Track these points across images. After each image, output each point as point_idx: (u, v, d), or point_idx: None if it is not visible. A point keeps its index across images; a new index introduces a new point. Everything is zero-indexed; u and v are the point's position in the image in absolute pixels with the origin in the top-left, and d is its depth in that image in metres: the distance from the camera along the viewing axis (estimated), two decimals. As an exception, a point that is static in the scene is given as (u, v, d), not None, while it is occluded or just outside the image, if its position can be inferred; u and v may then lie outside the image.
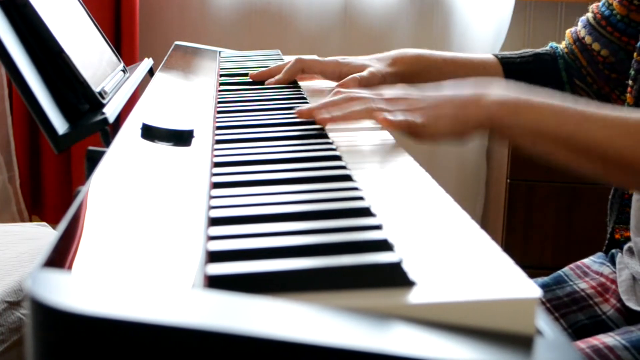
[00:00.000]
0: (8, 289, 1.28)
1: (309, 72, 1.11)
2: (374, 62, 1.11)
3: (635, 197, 0.96)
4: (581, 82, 1.14)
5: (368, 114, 0.81)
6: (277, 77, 1.09)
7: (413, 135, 0.79)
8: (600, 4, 1.13)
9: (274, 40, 2.36)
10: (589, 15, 1.14)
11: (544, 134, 0.78)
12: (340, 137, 0.81)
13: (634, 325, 0.92)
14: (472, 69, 1.14)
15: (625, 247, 1.02)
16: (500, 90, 0.80)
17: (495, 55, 1.16)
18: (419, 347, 0.39)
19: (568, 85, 1.14)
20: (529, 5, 2.42)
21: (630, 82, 1.02)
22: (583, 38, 1.13)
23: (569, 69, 1.15)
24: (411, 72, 1.12)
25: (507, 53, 1.16)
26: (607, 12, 1.11)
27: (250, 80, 1.12)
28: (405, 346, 0.38)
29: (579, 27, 1.15)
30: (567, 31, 1.18)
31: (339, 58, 1.12)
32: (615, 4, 1.09)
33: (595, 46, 1.11)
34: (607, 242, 1.09)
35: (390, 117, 0.79)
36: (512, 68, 1.14)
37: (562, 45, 1.17)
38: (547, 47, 1.18)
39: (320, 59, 1.12)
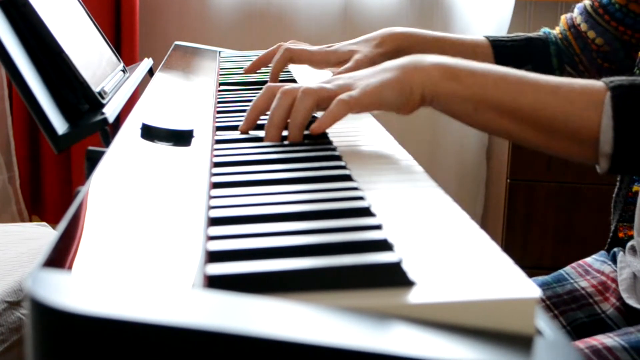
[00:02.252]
0: (8, 289, 1.28)
1: (297, 62, 1.10)
2: (361, 47, 1.08)
3: None
4: (572, 70, 1.13)
5: (308, 102, 0.76)
6: (270, 72, 1.09)
7: (358, 109, 0.76)
8: None
9: (274, 41, 2.34)
10: (587, 2, 1.13)
11: (485, 100, 0.75)
12: (340, 137, 0.81)
13: (633, 327, 0.92)
14: (461, 48, 1.12)
15: (628, 245, 1.02)
16: (436, 57, 0.78)
17: (487, 37, 1.14)
18: (418, 347, 0.39)
19: (558, 71, 1.13)
20: (529, 5, 2.42)
21: None
22: (579, 25, 1.13)
23: (561, 55, 1.14)
24: (398, 50, 1.09)
25: (499, 35, 1.15)
26: (605, 1, 1.10)
27: (250, 80, 1.12)
28: (405, 346, 0.38)
29: (575, 14, 1.14)
30: (562, 17, 1.17)
31: (325, 47, 1.10)
32: None
33: (591, 34, 1.11)
34: (609, 240, 1.09)
35: (326, 113, 0.75)
36: (503, 51, 1.12)
37: (557, 31, 1.16)
38: (540, 32, 1.17)
39: (309, 48, 1.10)
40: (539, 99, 0.75)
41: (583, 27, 1.12)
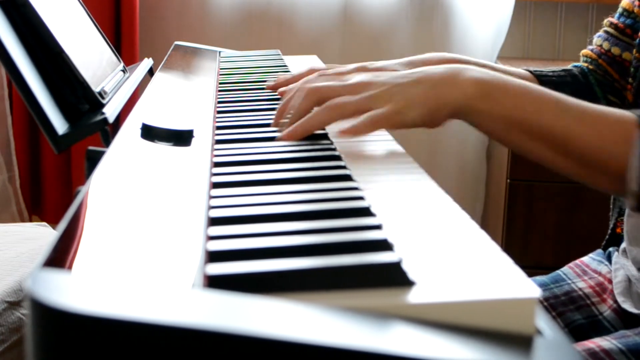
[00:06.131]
0: (8, 289, 1.28)
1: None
2: (404, 68, 0.99)
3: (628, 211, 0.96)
4: (615, 97, 1.09)
5: (330, 116, 0.76)
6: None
7: (381, 128, 0.76)
8: (615, 17, 1.10)
9: (274, 41, 2.36)
10: (608, 29, 1.10)
11: (519, 122, 0.74)
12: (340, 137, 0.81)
13: (630, 330, 0.92)
14: None
15: (621, 247, 1.02)
16: (477, 72, 0.76)
17: (529, 70, 1.09)
18: (418, 347, 0.39)
19: (604, 100, 1.09)
20: (529, 5, 2.42)
21: (630, 79, 1.02)
22: (609, 50, 1.09)
23: (601, 85, 1.10)
24: None
25: (538, 69, 1.10)
26: (629, 21, 1.07)
27: (250, 80, 1.12)
28: (405, 346, 0.38)
29: (599, 42, 1.11)
30: (584, 51, 1.13)
31: (366, 64, 1.01)
32: (636, 10, 1.06)
33: (627, 55, 1.07)
34: (607, 237, 1.08)
35: (352, 124, 0.74)
36: (549, 83, 1.07)
37: (584, 65, 1.12)
38: (570, 67, 1.13)
39: (343, 68, 0.98)
40: (572, 127, 0.74)
41: (615, 51, 1.08)
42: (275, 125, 0.81)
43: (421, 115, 0.75)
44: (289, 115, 0.80)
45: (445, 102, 0.75)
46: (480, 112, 0.75)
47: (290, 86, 0.87)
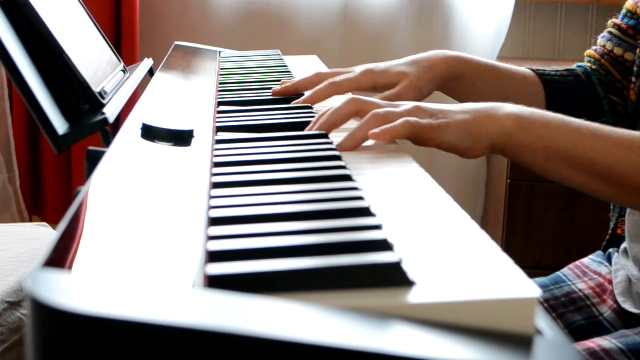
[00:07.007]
0: (8, 289, 1.28)
1: (343, 93, 0.98)
2: (410, 69, 1.01)
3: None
4: (617, 97, 1.09)
5: (377, 126, 0.76)
6: (304, 98, 0.96)
7: (417, 136, 0.76)
8: (619, 18, 1.10)
9: (274, 41, 2.36)
10: (611, 30, 1.10)
11: (557, 152, 0.76)
12: (340, 137, 0.81)
13: (630, 329, 0.92)
14: (512, 79, 1.08)
15: (622, 247, 1.02)
16: (514, 107, 0.78)
17: (533, 70, 1.10)
18: (418, 347, 0.39)
19: (606, 100, 1.09)
20: (529, 5, 2.42)
21: (633, 78, 1.02)
22: (611, 51, 1.09)
23: (603, 85, 1.10)
24: (451, 75, 1.04)
25: (540, 68, 1.11)
26: (632, 22, 1.07)
27: (250, 80, 1.12)
28: (405, 346, 0.38)
29: (602, 43, 1.11)
30: (588, 51, 1.13)
31: (372, 66, 1.01)
32: (639, 11, 1.06)
33: (628, 56, 1.07)
34: (607, 237, 1.08)
35: (386, 126, 0.74)
36: (552, 83, 1.09)
37: (587, 65, 1.12)
38: (574, 66, 1.13)
39: (351, 74, 0.98)
40: (611, 153, 0.75)
41: (617, 51, 1.08)
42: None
43: (458, 139, 0.76)
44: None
45: (485, 132, 0.76)
46: (519, 144, 0.77)
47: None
